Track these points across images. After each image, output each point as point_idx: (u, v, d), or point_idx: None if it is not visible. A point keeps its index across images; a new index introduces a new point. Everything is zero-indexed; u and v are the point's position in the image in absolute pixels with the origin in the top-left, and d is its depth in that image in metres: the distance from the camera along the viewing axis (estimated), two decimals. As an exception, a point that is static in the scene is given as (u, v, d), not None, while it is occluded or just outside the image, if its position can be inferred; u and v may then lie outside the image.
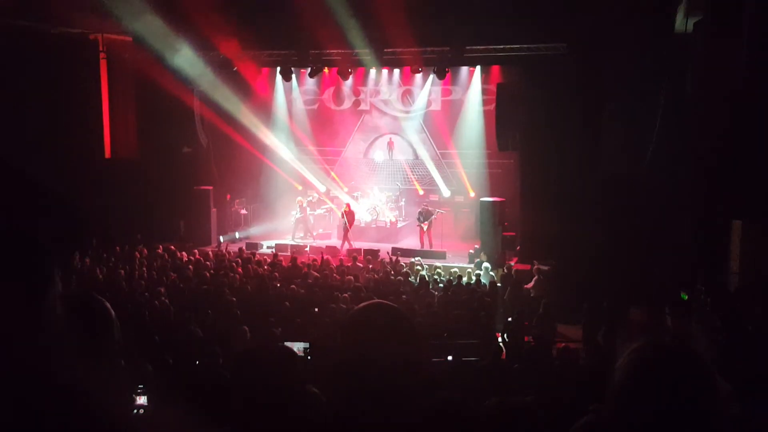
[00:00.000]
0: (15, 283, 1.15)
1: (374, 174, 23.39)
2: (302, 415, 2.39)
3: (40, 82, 17.88)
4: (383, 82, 22.85)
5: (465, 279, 15.13)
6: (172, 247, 17.64)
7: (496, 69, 20.84)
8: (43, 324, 1.16)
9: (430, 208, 20.02)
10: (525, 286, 14.96)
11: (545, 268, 15.69)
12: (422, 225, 19.70)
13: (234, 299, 11.97)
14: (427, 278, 14.72)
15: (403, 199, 22.40)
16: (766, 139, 12.91)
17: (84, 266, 15.09)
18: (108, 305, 2.39)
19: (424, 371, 1.93)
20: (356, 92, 23.15)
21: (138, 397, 3.55)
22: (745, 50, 13.98)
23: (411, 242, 20.36)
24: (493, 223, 18.03)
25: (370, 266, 16.12)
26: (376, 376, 1.82)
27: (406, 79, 22.56)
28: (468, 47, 18.08)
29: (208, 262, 16.17)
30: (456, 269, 16.06)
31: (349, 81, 22.24)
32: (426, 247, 19.46)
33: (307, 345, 8.66)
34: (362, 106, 23.26)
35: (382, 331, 1.88)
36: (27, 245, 1.21)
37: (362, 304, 2.00)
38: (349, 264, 16.24)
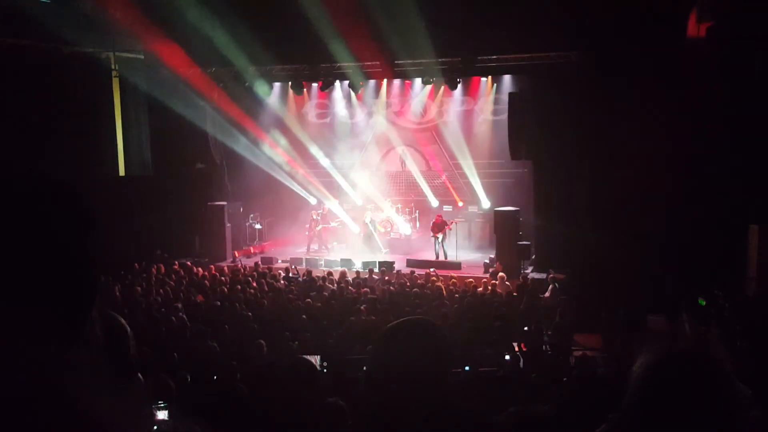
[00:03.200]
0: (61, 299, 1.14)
1: (387, 186, 23.36)
2: (323, 428, 2.39)
3: (53, 101, 18.03)
4: (395, 93, 22.84)
5: (480, 289, 15.08)
6: (188, 263, 17.70)
7: (507, 78, 20.81)
8: (84, 343, 1.15)
9: (444, 219, 20.00)
10: (541, 295, 14.89)
11: (561, 276, 15.63)
12: (436, 236, 19.67)
13: (250, 314, 11.99)
14: (443, 289, 14.68)
15: (417, 211, 22.40)
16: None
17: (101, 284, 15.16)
18: (123, 321, 2.42)
19: (450, 385, 1.93)
20: (368, 104, 23.13)
21: (158, 413, 3.56)
22: (759, 53, 13.95)
23: (425, 254, 20.32)
24: (507, 233, 17.97)
25: (386, 278, 16.12)
26: (408, 391, 1.82)
27: (417, 90, 22.51)
28: (479, 57, 18.11)
29: (223, 278, 16.21)
30: (471, 279, 16.01)
31: (361, 93, 22.24)
32: (441, 258, 19.45)
33: (324, 358, 8.66)
34: (374, 119, 23.22)
35: (420, 347, 1.88)
36: (75, 258, 1.19)
37: (401, 320, 2.01)
38: (365, 276, 16.25)
